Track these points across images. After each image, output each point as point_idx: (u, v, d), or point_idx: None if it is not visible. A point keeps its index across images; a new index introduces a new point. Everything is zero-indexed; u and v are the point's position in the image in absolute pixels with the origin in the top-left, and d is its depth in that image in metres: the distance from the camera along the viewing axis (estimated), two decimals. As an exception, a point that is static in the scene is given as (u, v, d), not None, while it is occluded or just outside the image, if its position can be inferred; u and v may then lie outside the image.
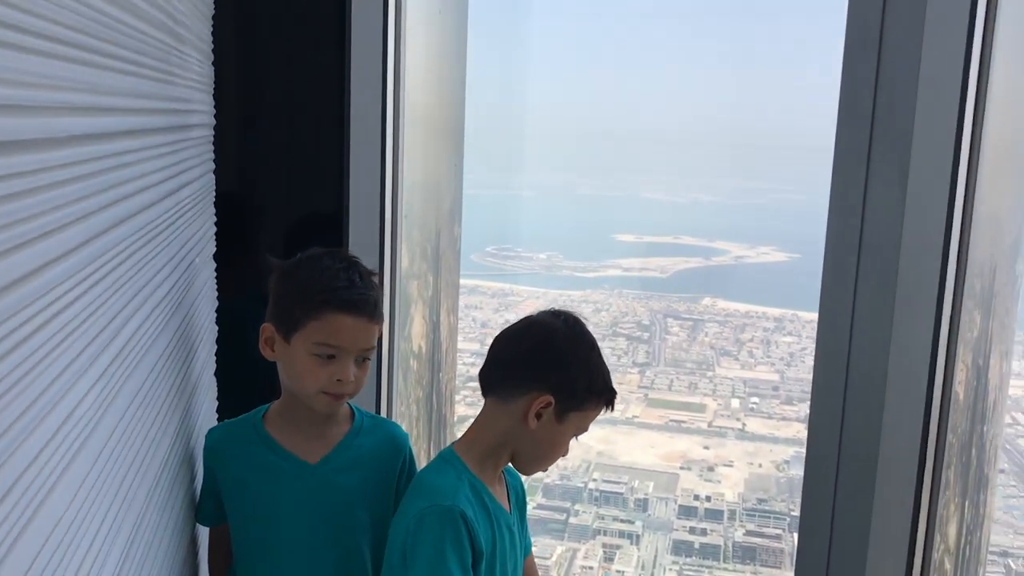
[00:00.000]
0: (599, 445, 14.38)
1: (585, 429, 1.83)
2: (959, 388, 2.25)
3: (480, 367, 1.85)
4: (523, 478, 1.96)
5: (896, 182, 2.07)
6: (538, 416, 1.76)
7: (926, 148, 2.05)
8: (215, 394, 2.31)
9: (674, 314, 17.48)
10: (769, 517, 12.26)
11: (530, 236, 20.59)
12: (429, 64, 3.09)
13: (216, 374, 2.31)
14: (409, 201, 2.86)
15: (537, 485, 13.22)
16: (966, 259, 2.12)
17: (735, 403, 14.76)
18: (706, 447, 14.13)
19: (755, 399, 14.66)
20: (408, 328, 3.14)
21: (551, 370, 1.77)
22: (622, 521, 12.91)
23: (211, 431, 1.97)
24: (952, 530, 2.38)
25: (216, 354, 2.32)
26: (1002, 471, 12.52)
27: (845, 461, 2.18)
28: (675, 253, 20.38)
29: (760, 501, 12.91)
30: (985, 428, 2.45)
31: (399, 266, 2.81)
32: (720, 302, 17.74)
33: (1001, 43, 2.06)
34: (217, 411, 2.31)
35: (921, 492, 2.15)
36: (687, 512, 12.83)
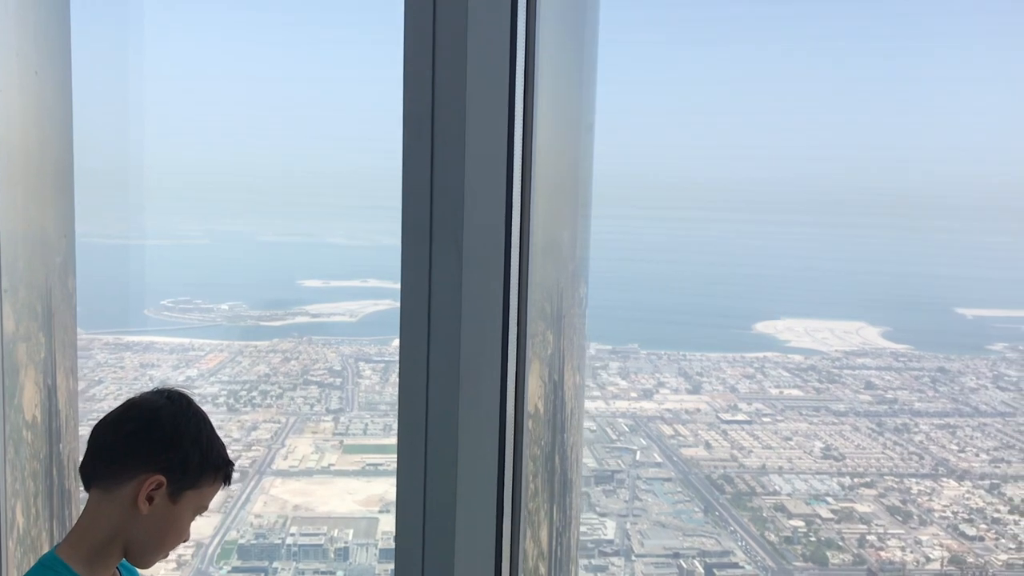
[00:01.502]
0: (295, 499, 14.10)
1: (205, 507, 1.80)
2: (538, 402, 2.47)
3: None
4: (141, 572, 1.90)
5: (456, 221, 2.25)
6: (150, 499, 1.71)
7: (480, 193, 2.25)
8: None
9: (365, 357, 17.52)
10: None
11: (210, 286, 19.90)
12: (27, 126, 3.00)
13: None
14: (11, 258, 2.75)
15: (232, 547, 12.76)
16: (527, 283, 2.33)
17: (427, 440, 15.01)
18: (402, 487, 14.24)
19: (443, 433, 14.99)
20: (19, 397, 2.99)
21: (160, 450, 1.72)
22: (323, 573, 12.74)
23: None
24: (544, 534, 2.59)
25: None
26: (669, 480, 13.61)
27: (431, 484, 2.32)
28: (363, 296, 20.44)
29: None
30: (565, 436, 2.69)
31: (1, 330, 2.69)
32: (409, 342, 17.96)
33: (542, 102, 2.31)
34: None
35: (503, 503, 2.33)
36: (388, 555, 12.87)
